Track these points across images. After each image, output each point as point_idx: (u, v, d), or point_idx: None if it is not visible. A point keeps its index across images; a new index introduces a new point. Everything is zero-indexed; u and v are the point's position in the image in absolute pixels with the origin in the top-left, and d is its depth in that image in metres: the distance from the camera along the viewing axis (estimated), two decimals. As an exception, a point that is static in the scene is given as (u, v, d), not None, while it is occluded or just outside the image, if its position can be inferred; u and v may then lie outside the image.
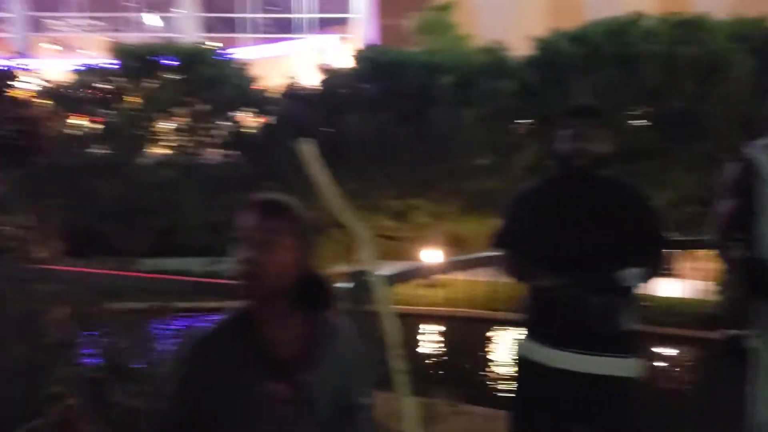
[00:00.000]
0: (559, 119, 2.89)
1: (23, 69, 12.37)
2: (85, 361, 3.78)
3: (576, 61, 17.21)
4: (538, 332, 2.78)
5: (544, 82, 17.16)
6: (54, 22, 34.32)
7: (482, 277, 2.98)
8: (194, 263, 20.58)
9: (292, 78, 19.82)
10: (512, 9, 29.29)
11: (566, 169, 2.78)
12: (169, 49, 20.76)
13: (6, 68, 11.59)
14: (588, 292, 2.62)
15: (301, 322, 1.66)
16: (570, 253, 2.68)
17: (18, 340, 3.10)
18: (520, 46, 18.53)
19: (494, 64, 18.06)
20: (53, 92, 19.06)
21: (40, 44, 32.65)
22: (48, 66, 23.27)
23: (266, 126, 19.43)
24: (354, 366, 1.74)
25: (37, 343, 3.37)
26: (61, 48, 32.85)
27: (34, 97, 14.44)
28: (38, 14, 33.55)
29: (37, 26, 33.91)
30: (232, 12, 33.55)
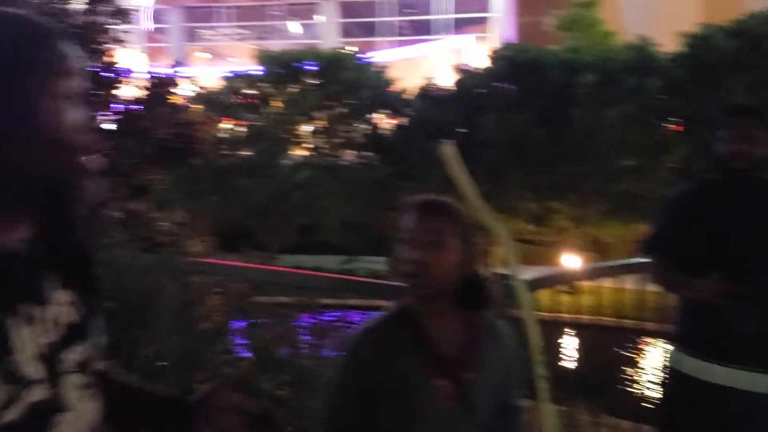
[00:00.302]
0: (716, 119, 2.72)
1: (180, 76, 13.32)
2: (235, 349, 4.00)
3: (731, 57, 16.09)
4: (690, 343, 2.61)
5: (694, 79, 16.20)
6: (206, 32, 36.65)
7: (628, 284, 2.88)
8: (331, 261, 21.33)
9: (429, 79, 19.97)
10: (660, 4, 27.86)
11: (725, 172, 2.61)
12: (311, 55, 21.56)
13: (167, 76, 12.52)
14: (750, 301, 2.44)
15: (463, 321, 1.68)
16: (731, 260, 2.51)
17: (175, 329, 3.31)
18: (667, 42, 17.60)
19: (640, 61, 17.25)
20: (205, 98, 20.34)
21: (194, 53, 34.99)
22: (201, 73, 24.88)
23: (401, 127, 19.70)
24: (510, 368, 1.74)
25: (191, 333, 3.58)
26: (212, 56, 35.02)
27: (189, 102, 15.48)
28: (192, 25, 35.97)
29: (191, 37, 36.36)
30: (371, 16, 34.30)
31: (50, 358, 0.94)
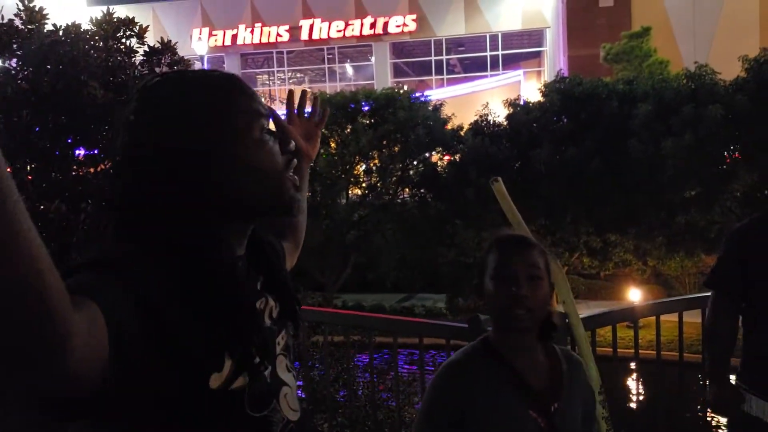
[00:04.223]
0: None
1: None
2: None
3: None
4: (757, 383, 2.49)
5: (756, 105, 15.74)
6: (263, 77, 37.68)
7: (691, 318, 2.77)
8: (388, 299, 21.35)
9: (483, 115, 19.98)
10: (715, 30, 27.37)
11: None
12: (365, 96, 21.87)
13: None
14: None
15: (542, 353, 1.74)
16: None
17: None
18: (725, 69, 17.20)
19: (698, 89, 16.88)
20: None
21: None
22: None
23: (454, 164, 19.70)
24: (588, 398, 1.79)
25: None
26: (269, 100, 35.93)
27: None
28: (249, 71, 37.06)
29: (249, 82, 37.33)
30: (424, 56, 34.70)
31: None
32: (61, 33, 6.20)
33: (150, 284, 0.94)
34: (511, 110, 19.40)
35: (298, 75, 38.42)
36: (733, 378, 2.61)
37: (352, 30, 33.57)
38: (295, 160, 1.17)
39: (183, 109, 1.05)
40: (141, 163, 1.04)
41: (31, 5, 6.27)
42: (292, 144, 1.16)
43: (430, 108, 21.43)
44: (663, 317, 3.16)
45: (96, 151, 6.30)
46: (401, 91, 22.60)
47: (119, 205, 1.07)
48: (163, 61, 6.52)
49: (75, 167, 6.33)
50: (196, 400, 0.98)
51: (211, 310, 1.00)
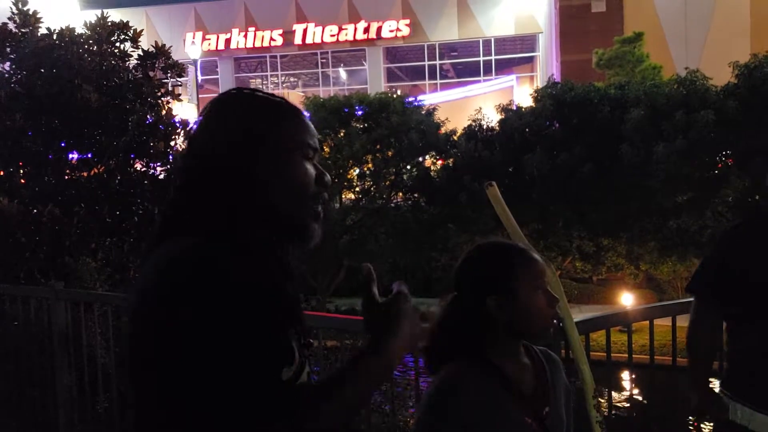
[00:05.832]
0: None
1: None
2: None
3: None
4: (744, 392, 2.47)
5: (747, 111, 15.85)
6: (257, 81, 37.65)
7: (685, 323, 2.79)
8: (382, 303, 21.30)
9: (476, 120, 20.03)
10: (707, 36, 27.53)
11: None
12: (358, 100, 21.89)
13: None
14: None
15: (526, 355, 1.75)
16: None
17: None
18: (717, 75, 17.31)
19: (690, 94, 16.98)
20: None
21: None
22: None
23: (447, 168, 19.73)
24: (566, 396, 1.79)
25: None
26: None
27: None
28: (243, 75, 37.05)
29: (242, 86, 37.27)
30: (417, 61, 34.78)
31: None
32: (55, 37, 6.20)
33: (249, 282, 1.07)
34: (504, 115, 19.44)
35: (292, 79, 38.45)
36: (717, 384, 2.59)
37: (346, 34, 33.63)
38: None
39: (238, 123, 1.19)
40: (195, 166, 1.18)
41: (25, 9, 6.27)
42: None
43: (423, 112, 21.45)
44: (655, 321, 3.17)
45: (89, 155, 6.29)
46: (394, 96, 22.62)
47: (177, 203, 1.19)
48: (157, 65, 6.52)
49: (68, 171, 6.32)
50: (271, 395, 1.04)
51: (279, 301, 1.12)
